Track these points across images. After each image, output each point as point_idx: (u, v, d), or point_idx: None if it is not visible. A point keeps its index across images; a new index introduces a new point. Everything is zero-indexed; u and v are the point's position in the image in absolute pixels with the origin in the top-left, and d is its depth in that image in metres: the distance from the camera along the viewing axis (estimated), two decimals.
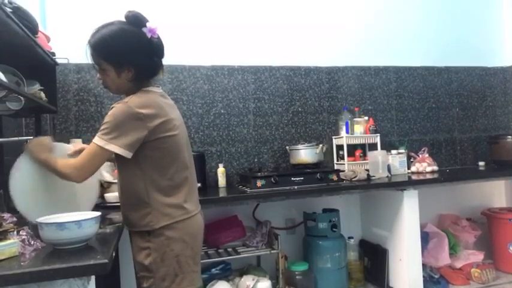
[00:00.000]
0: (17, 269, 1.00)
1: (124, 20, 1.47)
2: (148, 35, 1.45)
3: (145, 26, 1.44)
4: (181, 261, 1.44)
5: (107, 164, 2.27)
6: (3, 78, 1.46)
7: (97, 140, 1.35)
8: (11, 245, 1.11)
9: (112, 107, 1.39)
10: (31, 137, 1.57)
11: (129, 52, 1.43)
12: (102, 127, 1.37)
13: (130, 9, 1.47)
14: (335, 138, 3.10)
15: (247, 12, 3.00)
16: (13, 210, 1.43)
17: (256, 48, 3.01)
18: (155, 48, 1.48)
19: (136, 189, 1.43)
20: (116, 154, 1.37)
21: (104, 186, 2.11)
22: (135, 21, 1.45)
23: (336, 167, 3.01)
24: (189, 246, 1.47)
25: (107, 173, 2.18)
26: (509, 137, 3.21)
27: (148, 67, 1.48)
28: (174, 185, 1.47)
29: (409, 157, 3.13)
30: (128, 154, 1.37)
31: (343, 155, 3.00)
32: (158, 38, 1.49)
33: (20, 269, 1.00)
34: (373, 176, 2.78)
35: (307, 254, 2.77)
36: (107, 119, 1.37)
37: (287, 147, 2.97)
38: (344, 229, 2.87)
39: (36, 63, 2.00)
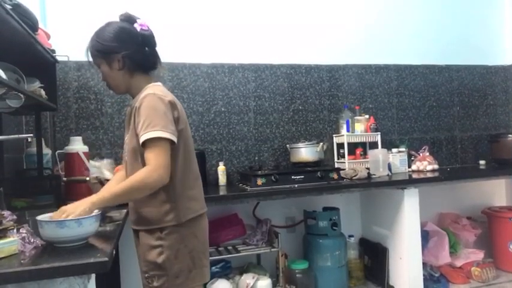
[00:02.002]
0: (17, 267, 0.99)
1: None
2: (138, 28, 1.49)
3: (136, 22, 1.50)
4: (194, 256, 1.46)
5: (107, 162, 2.27)
6: (3, 76, 1.45)
7: (151, 135, 1.32)
8: (11, 243, 1.11)
9: (142, 103, 1.38)
10: (31, 135, 1.57)
11: (116, 42, 1.45)
12: (145, 122, 1.34)
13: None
14: (336, 136, 3.10)
15: (247, 10, 2.99)
16: (13, 208, 1.43)
17: (256, 46, 3.01)
18: (145, 39, 1.50)
19: (162, 186, 1.39)
20: (140, 148, 1.38)
21: (104, 184, 2.10)
22: (127, 19, 1.51)
23: (336, 165, 3.01)
24: (201, 241, 1.50)
25: (107, 171, 2.18)
26: (510, 135, 3.21)
27: (138, 55, 1.48)
28: (195, 177, 1.53)
29: (409, 156, 3.12)
30: (176, 140, 1.40)
31: (343, 154, 2.99)
32: (148, 30, 1.52)
33: (20, 267, 0.99)
34: (374, 175, 2.78)
35: (308, 252, 2.77)
36: (146, 111, 1.36)
37: (287, 145, 2.97)
38: (344, 227, 2.86)
39: (36, 61, 1.99)
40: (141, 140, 1.35)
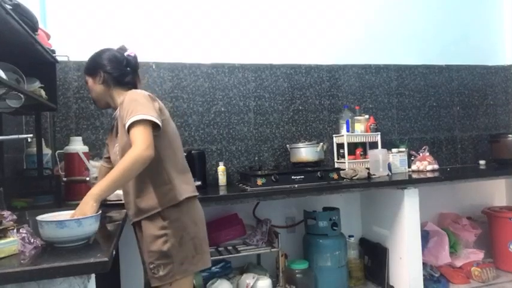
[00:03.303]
0: (17, 267, 0.99)
1: None
2: (125, 54, 1.73)
3: (126, 51, 1.74)
4: (196, 243, 1.56)
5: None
6: (3, 76, 1.45)
7: (134, 118, 1.43)
8: (11, 243, 1.11)
9: (123, 99, 1.53)
10: (31, 135, 1.57)
11: (102, 61, 1.68)
12: (128, 110, 1.46)
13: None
14: (336, 136, 3.10)
15: (247, 10, 2.99)
16: (13, 209, 1.43)
17: (256, 46, 3.01)
18: (128, 61, 1.72)
19: (155, 170, 1.52)
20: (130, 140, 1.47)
21: None
22: (120, 49, 1.75)
23: (336, 165, 3.01)
24: (200, 229, 1.61)
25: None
26: (510, 135, 3.21)
27: (117, 72, 1.68)
28: (184, 167, 1.65)
29: (409, 156, 3.12)
30: (160, 124, 1.49)
31: (343, 154, 2.99)
32: (133, 56, 1.74)
33: (20, 267, 1.00)
34: (374, 175, 2.78)
35: (308, 252, 2.77)
36: (128, 103, 1.49)
37: (287, 145, 2.97)
38: (344, 228, 2.86)
39: (36, 61, 1.99)
40: (127, 124, 1.44)
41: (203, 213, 1.68)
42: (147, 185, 1.54)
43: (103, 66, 1.67)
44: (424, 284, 2.64)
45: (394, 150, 3.05)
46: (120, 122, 1.56)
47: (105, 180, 1.37)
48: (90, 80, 1.71)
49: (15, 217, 1.30)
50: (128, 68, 1.71)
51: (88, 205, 1.29)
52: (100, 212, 1.29)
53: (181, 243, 1.52)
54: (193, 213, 1.60)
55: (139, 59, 1.79)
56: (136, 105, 1.47)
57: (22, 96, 1.61)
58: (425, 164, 3.04)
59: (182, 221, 1.54)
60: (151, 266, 1.52)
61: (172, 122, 1.67)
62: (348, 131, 2.99)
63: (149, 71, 2.72)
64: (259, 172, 2.54)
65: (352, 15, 3.25)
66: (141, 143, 1.40)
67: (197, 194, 1.66)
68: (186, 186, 1.60)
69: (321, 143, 2.83)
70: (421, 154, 3.12)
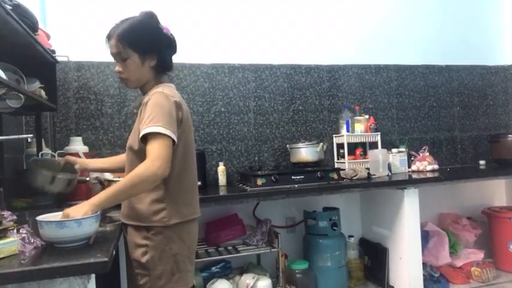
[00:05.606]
0: (17, 268, 1.00)
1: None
2: (164, 31, 1.51)
3: (159, 23, 1.51)
4: (178, 260, 1.44)
5: None
6: (3, 76, 1.45)
7: (152, 130, 1.32)
8: (11, 243, 1.11)
9: (149, 99, 1.39)
10: (31, 135, 1.57)
11: (153, 40, 1.47)
12: (150, 115, 1.34)
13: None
14: (335, 136, 3.10)
15: (247, 10, 2.99)
16: (13, 209, 1.43)
17: (256, 47, 3.01)
18: (172, 43, 1.54)
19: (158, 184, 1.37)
20: (139, 144, 1.39)
21: (104, 185, 2.10)
22: (153, 17, 1.51)
23: (336, 165, 3.01)
24: (186, 245, 1.47)
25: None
26: (510, 135, 3.21)
27: (168, 58, 1.52)
28: (192, 182, 1.52)
29: (409, 156, 3.12)
30: (176, 141, 1.38)
31: (343, 154, 2.99)
32: (172, 35, 1.54)
33: (20, 267, 1.00)
34: (374, 175, 2.78)
35: (308, 252, 2.77)
36: (151, 107, 1.36)
37: (287, 145, 2.97)
38: (344, 228, 2.86)
39: (36, 61, 1.99)
40: (142, 133, 1.34)
41: (196, 231, 1.56)
42: (144, 194, 1.41)
43: (162, 49, 1.48)
44: (424, 284, 2.64)
45: (394, 150, 3.05)
46: (138, 118, 1.44)
47: (108, 191, 1.30)
48: (136, 57, 1.44)
49: (15, 217, 1.30)
50: (172, 52, 1.55)
51: (82, 210, 1.22)
52: (99, 212, 1.29)
53: (161, 257, 1.40)
54: (182, 230, 1.45)
55: None
56: (159, 112, 1.34)
57: (22, 96, 1.61)
58: (425, 164, 3.04)
59: (166, 235, 1.41)
60: (135, 272, 1.46)
61: (191, 134, 1.55)
62: (347, 131, 2.99)
63: None
64: (259, 172, 2.54)
65: (352, 16, 3.25)
66: (155, 158, 1.29)
67: (195, 216, 1.52)
68: (184, 209, 1.46)
69: (321, 143, 2.83)
70: (421, 154, 3.12)
